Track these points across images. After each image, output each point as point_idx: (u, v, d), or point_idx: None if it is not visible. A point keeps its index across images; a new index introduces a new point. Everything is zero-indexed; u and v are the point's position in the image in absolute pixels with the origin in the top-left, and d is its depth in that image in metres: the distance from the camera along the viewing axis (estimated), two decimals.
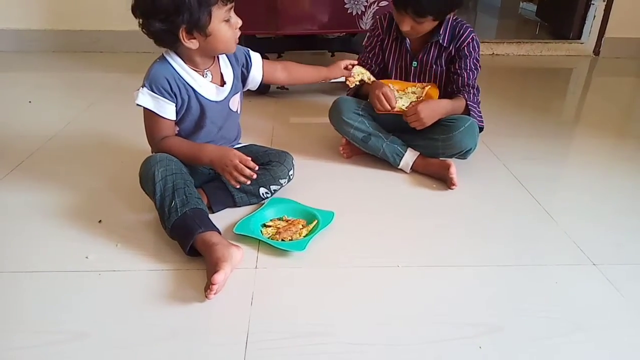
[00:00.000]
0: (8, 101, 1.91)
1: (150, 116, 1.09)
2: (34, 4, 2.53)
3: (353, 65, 1.29)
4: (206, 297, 0.88)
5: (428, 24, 1.29)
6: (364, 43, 1.48)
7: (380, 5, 1.82)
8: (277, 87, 2.04)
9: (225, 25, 1.04)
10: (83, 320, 0.85)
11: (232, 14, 1.05)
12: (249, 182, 1.08)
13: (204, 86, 1.12)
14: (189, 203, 1.01)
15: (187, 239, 0.97)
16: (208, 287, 0.88)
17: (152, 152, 1.15)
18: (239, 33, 1.09)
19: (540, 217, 1.21)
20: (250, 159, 1.07)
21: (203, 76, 1.12)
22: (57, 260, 1.00)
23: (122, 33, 2.47)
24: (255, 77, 1.23)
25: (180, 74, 1.09)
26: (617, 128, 1.85)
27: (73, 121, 1.71)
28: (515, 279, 0.98)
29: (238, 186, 1.10)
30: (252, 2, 1.79)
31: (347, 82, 1.30)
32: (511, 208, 1.24)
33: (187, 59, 1.09)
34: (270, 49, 2.23)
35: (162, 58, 1.09)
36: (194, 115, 1.13)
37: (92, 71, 2.31)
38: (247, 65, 1.21)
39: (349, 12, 1.83)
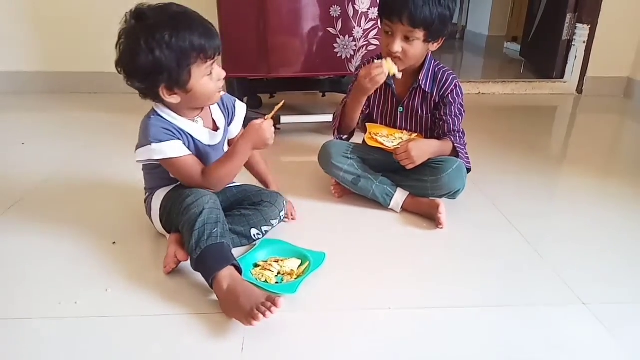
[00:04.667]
0: (1, 143, 1.92)
1: (175, 164, 1.10)
2: (28, 46, 2.58)
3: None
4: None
5: (417, 46, 1.28)
6: (350, 87, 1.48)
7: (368, 49, 1.88)
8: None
9: (207, 79, 1.06)
10: None
11: (215, 67, 1.07)
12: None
13: (198, 131, 1.14)
14: (226, 238, 1.02)
15: (223, 262, 0.98)
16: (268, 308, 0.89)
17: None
18: (221, 84, 1.10)
19: (529, 256, 1.22)
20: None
21: (194, 122, 1.14)
22: (45, 306, 0.99)
23: (118, 74, 2.52)
24: (236, 126, 1.26)
25: (174, 122, 1.11)
26: (603, 165, 1.89)
27: (67, 163, 1.72)
28: (506, 321, 0.98)
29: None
30: (244, 45, 1.85)
31: None
32: (500, 247, 1.25)
33: (174, 109, 1.11)
34: (262, 90, 2.29)
35: (153, 112, 1.12)
36: None
37: (87, 112, 2.34)
38: (232, 114, 1.24)
39: (338, 55, 1.89)
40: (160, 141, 1.07)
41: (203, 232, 1.00)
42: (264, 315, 0.88)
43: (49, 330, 0.92)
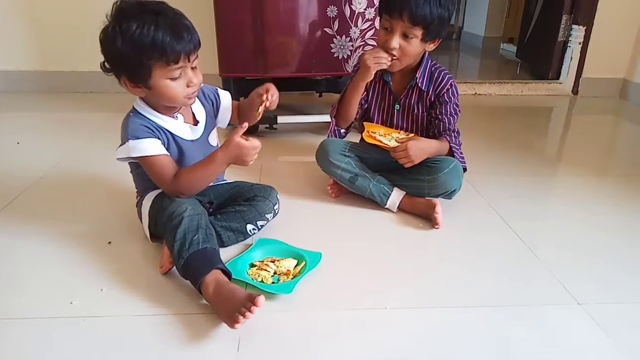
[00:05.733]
0: None
1: (150, 162, 1.09)
2: (23, 45, 2.57)
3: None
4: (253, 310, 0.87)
5: (415, 44, 1.29)
6: (348, 82, 1.49)
7: (365, 49, 1.88)
8: (266, 127, 2.08)
9: (171, 82, 1.03)
10: None
11: (186, 72, 1.03)
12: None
13: (178, 127, 1.13)
14: (209, 242, 1.01)
15: (207, 268, 0.96)
16: (249, 309, 0.87)
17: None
18: (192, 90, 1.06)
19: (525, 256, 1.22)
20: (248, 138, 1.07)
21: (174, 118, 1.13)
22: (42, 306, 0.98)
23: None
24: (224, 114, 1.24)
25: (153, 120, 1.10)
26: (598, 166, 1.90)
27: (61, 162, 1.71)
28: (502, 320, 0.99)
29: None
30: (241, 45, 1.85)
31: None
32: (496, 247, 1.26)
33: (152, 105, 1.10)
34: None
35: (133, 110, 1.11)
36: (174, 156, 1.13)
37: (82, 111, 2.33)
38: (217, 103, 1.23)
39: (335, 55, 1.89)
40: (138, 138, 1.07)
41: (184, 241, 0.99)
42: (244, 316, 0.87)
43: (44, 330, 0.92)
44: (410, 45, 1.30)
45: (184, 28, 1.01)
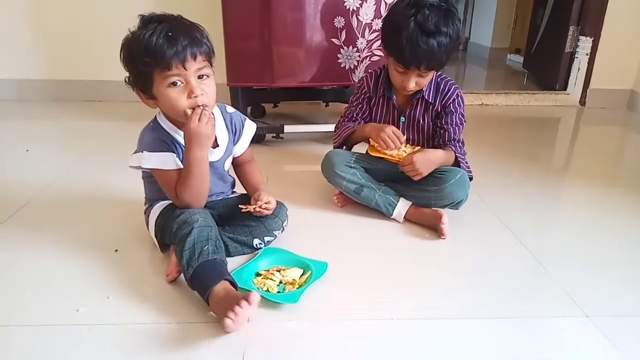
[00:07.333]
0: (6, 150, 1.94)
1: (159, 176, 1.10)
2: (33, 54, 2.61)
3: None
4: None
5: (430, 77, 1.34)
6: (351, 98, 1.52)
7: (372, 60, 1.90)
8: (272, 136, 2.09)
9: (170, 91, 1.01)
10: None
11: (188, 81, 1.01)
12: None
13: None
14: (218, 254, 1.01)
15: (217, 278, 0.96)
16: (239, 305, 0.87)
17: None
18: (195, 103, 1.01)
19: (532, 267, 1.21)
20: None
21: None
22: (48, 314, 0.98)
23: (121, 83, 2.52)
24: (237, 149, 1.23)
25: (171, 134, 1.10)
26: (605, 177, 1.89)
27: (70, 170, 1.72)
28: (510, 333, 0.98)
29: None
30: (249, 54, 1.86)
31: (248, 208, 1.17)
32: (503, 258, 1.25)
33: (170, 119, 1.09)
34: (266, 99, 2.30)
35: (154, 120, 1.11)
36: None
37: (91, 120, 2.35)
38: (238, 135, 1.22)
39: (342, 66, 1.90)
40: (152, 151, 1.07)
41: (193, 251, 0.99)
42: (233, 311, 0.85)
43: (51, 337, 0.92)
44: (426, 79, 1.34)
45: (182, 34, 0.99)
